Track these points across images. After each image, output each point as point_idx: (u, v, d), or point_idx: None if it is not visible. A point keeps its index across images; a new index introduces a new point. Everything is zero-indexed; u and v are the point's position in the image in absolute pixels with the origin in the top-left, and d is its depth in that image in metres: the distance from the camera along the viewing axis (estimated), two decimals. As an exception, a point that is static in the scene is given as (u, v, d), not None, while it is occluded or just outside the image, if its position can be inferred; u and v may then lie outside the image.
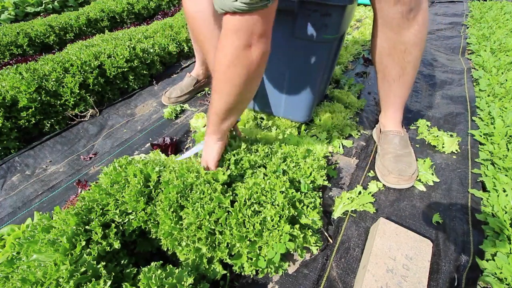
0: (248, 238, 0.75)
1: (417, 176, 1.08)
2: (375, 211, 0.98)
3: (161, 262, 0.69)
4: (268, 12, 0.62)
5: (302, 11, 0.96)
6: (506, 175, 1.03)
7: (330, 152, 1.23)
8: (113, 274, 0.67)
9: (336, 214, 0.98)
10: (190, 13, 0.91)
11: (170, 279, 0.62)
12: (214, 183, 0.83)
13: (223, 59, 0.68)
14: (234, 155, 0.95)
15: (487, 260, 0.82)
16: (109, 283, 0.62)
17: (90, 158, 1.36)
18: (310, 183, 0.92)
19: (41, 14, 3.95)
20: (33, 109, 1.40)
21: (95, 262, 0.65)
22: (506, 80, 1.59)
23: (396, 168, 1.05)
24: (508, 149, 1.14)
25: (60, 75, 1.52)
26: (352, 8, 1.05)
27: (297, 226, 0.78)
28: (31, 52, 2.71)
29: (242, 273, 0.76)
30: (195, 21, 0.92)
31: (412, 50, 0.94)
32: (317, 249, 0.87)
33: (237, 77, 0.71)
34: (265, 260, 0.76)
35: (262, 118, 1.45)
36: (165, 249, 0.78)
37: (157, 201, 0.82)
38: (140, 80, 1.89)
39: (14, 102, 1.37)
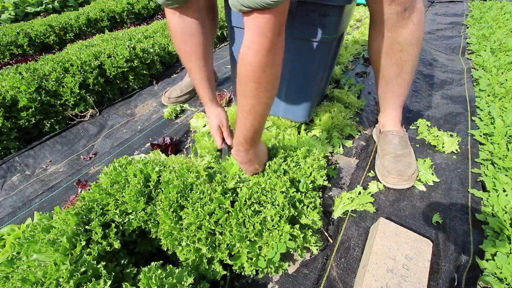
0: (248, 238, 0.75)
1: (417, 176, 1.08)
2: (375, 211, 0.98)
3: (161, 262, 0.69)
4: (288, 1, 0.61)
5: (300, 12, 0.96)
6: (506, 175, 1.03)
7: (330, 152, 1.23)
8: (113, 274, 0.66)
9: (336, 214, 0.98)
10: (175, 28, 0.90)
11: (170, 279, 0.62)
12: (214, 184, 0.83)
13: (256, 64, 0.63)
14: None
15: (487, 260, 0.82)
16: (109, 283, 0.62)
17: (90, 158, 1.36)
18: (310, 183, 0.92)
19: (41, 14, 3.95)
20: (33, 109, 1.40)
21: (95, 262, 0.65)
22: (506, 80, 1.59)
23: (396, 168, 1.05)
24: (508, 149, 1.14)
25: (60, 75, 1.52)
26: (350, 8, 1.05)
27: (297, 226, 0.78)
28: (31, 52, 2.71)
29: (242, 273, 0.76)
30: (181, 35, 0.92)
31: (409, 49, 0.95)
32: (317, 249, 0.87)
33: (274, 75, 0.68)
34: (265, 260, 0.76)
35: (262, 118, 1.45)
36: (165, 249, 0.78)
37: (157, 201, 0.82)
38: (140, 80, 1.89)
39: (14, 102, 1.37)
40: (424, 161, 1.13)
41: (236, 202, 0.78)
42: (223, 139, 1.10)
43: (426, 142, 1.27)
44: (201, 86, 1.04)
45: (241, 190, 0.83)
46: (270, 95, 0.72)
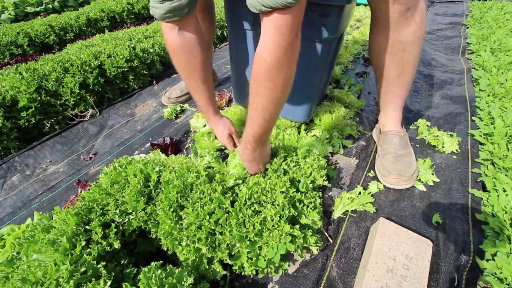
0: (248, 238, 0.75)
1: (417, 176, 1.08)
2: (375, 211, 0.98)
3: (161, 262, 0.69)
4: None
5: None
6: (506, 175, 1.03)
7: (330, 152, 1.23)
8: (113, 274, 0.67)
9: (336, 214, 0.98)
10: (175, 44, 0.86)
11: (170, 279, 0.62)
12: (214, 184, 0.83)
13: (273, 63, 0.63)
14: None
15: (487, 260, 0.82)
16: (109, 283, 0.62)
17: (90, 158, 1.36)
18: (310, 183, 0.92)
19: (41, 14, 3.95)
20: (33, 109, 1.40)
21: (95, 262, 0.65)
22: (506, 80, 1.59)
23: (396, 168, 1.05)
24: (508, 149, 1.14)
25: (60, 75, 1.52)
26: (350, 8, 1.05)
27: (297, 226, 0.78)
28: (31, 52, 2.71)
29: (242, 273, 0.76)
30: (181, 52, 0.88)
31: (411, 49, 0.95)
32: (317, 249, 0.87)
33: (289, 76, 0.69)
34: (265, 260, 0.76)
35: (262, 118, 1.45)
36: (165, 249, 0.78)
37: (157, 201, 0.82)
38: (140, 80, 1.89)
39: (14, 102, 1.37)
40: (424, 161, 1.13)
41: (236, 202, 0.78)
42: (235, 145, 1.12)
43: (426, 142, 1.27)
44: (204, 100, 1.02)
45: (240, 190, 0.83)
46: (283, 96, 0.72)
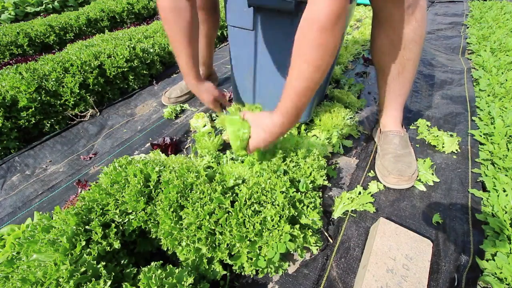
0: (248, 238, 0.75)
1: (417, 176, 1.08)
2: (375, 211, 0.98)
3: (161, 262, 0.69)
4: None
5: (301, 12, 0.95)
6: (506, 175, 1.03)
7: (330, 152, 1.23)
8: (113, 274, 0.66)
9: (336, 214, 0.98)
10: (164, 4, 0.92)
11: (170, 279, 0.62)
12: (214, 184, 0.83)
13: (327, 25, 0.64)
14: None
15: (487, 260, 0.82)
16: (109, 283, 0.62)
17: (90, 158, 1.36)
18: (310, 183, 0.92)
19: (41, 14, 3.95)
20: (33, 109, 1.40)
21: (95, 262, 0.65)
22: (506, 80, 1.59)
23: (396, 168, 1.05)
24: (508, 149, 1.14)
25: (60, 75, 1.52)
26: (350, 8, 1.06)
27: (297, 226, 0.78)
28: (31, 52, 2.71)
29: (242, 273, 0.76)
30: (169, 12, 0.93)
31: (412, 47, 0.95)
32: (317, 249, 0.87)
33: (339, 39, 0.69)
34: (265, 260, 0.76)
35: (262, 118, 1.45)
36: (165, 249, 0.78)
37: (157, 201, 0.82)
38: (140, 80, 1.89)
39: (14, 102, 1.37)
40: (424, 161, 1.13)
41: (236, 202, 0.78)
42: (222, 106, 1.15)
43: (426, 142, 1.27)
44: (185, 62, 1.04)
45: (240, 190, 0.83)
46: (330, 64, 0.71)
